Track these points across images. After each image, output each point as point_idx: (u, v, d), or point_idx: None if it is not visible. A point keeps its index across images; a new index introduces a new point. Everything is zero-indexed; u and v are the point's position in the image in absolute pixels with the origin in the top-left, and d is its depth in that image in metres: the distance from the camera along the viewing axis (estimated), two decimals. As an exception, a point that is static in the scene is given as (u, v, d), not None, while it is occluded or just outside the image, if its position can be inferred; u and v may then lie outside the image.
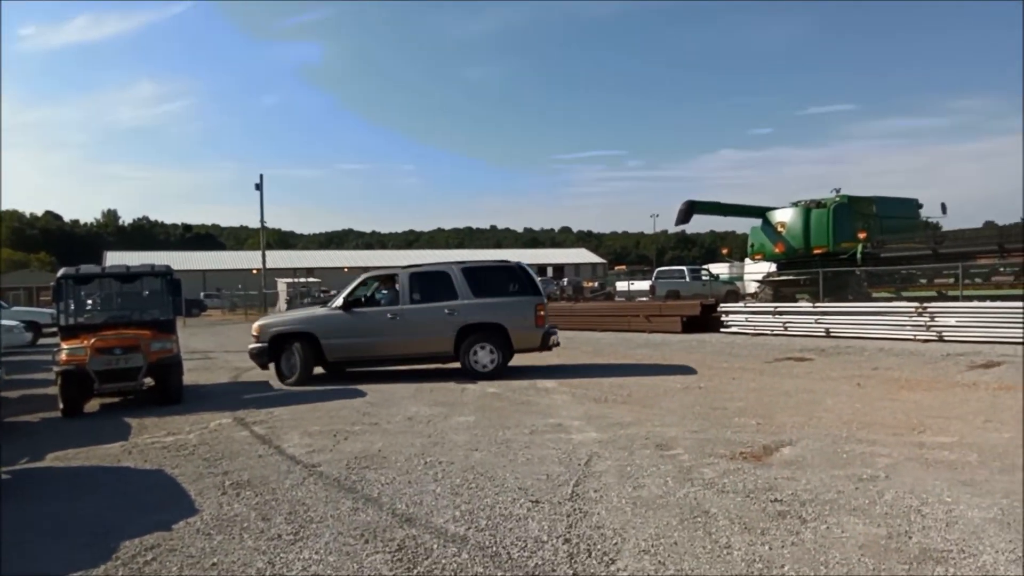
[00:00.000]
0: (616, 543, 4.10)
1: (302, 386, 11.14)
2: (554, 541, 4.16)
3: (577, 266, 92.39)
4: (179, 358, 10.09)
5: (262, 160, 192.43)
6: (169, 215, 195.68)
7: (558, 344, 12.45)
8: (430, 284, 11.91)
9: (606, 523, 4.43)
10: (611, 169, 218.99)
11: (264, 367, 11.84)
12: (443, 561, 3.90)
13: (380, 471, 5.83)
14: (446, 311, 11.62)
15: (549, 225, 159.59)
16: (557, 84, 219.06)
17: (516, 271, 12.30)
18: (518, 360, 12.10)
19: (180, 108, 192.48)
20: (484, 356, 11.62)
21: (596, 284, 50.27)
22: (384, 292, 12.26)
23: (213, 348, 20.01)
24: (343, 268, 76.10)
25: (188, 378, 11.33)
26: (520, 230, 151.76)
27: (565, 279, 67.90)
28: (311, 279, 56.31)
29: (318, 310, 12.66)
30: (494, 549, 4.06)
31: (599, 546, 4.06)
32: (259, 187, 45.09)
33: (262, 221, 46.68)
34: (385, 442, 6.93)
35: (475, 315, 11.64)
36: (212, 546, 4.27)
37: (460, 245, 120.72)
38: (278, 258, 72.50)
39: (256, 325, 12.22)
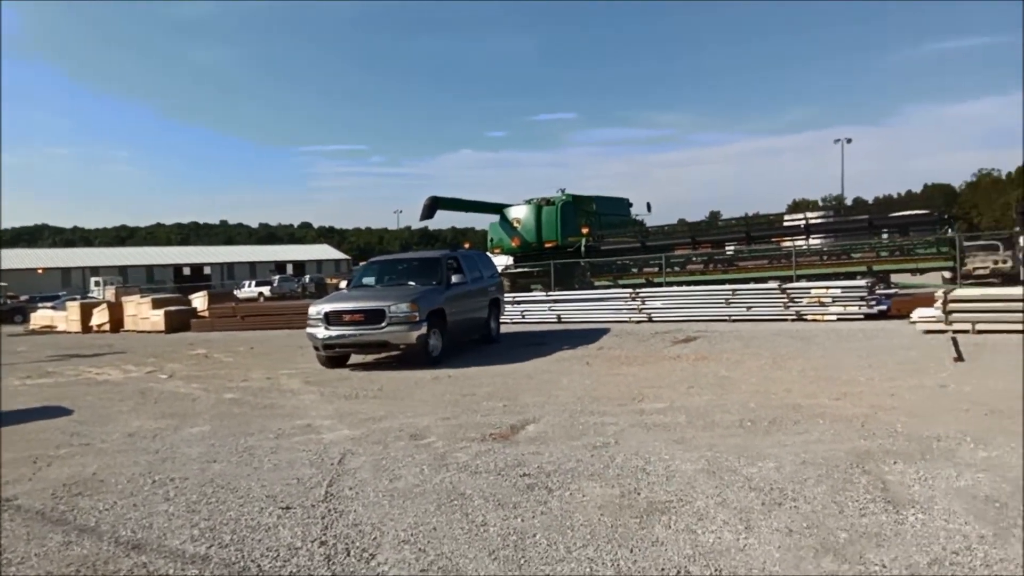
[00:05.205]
0: (375, 537, 4.01)
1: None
2: (309, 545, 3.94)
3: (320, 263, 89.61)
4: None
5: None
6: None
7: None
8: (471, 263, 13.89)
9: (364, 519, 4.31)
10: (353, 164, 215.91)
11: (423, 346, 11.26)
12: (182, 586, 3.49)
13: (97, 497, 5.04)
14: (490, 287, 14.38)
15: (288, 220, 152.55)
16: (290, 73, 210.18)
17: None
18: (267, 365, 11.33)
19: None
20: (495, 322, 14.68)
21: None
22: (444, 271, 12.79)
23: None
24: (37, 269, 65.30)
25: None
26: (255, 225, 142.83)
27: (307, 276, 65.52)
28: (-6, 283, 47.19)
29: (421, 288, 12.11)
30: (242, 564, 3.73)
31: (357, 543, 3.93)
32: (-87, 171, 36.66)
33: (-81, 213, 38.05)
34: (101, 463, 6.02)
35: (497, 291, 14.89)
36: None
37: (185, 241, 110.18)
38: (-55, 259, 59.64)
39: (406, 304, 11.15)
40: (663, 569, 3.43)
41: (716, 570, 3.38)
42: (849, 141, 65.53)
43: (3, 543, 4.19)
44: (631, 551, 3.66)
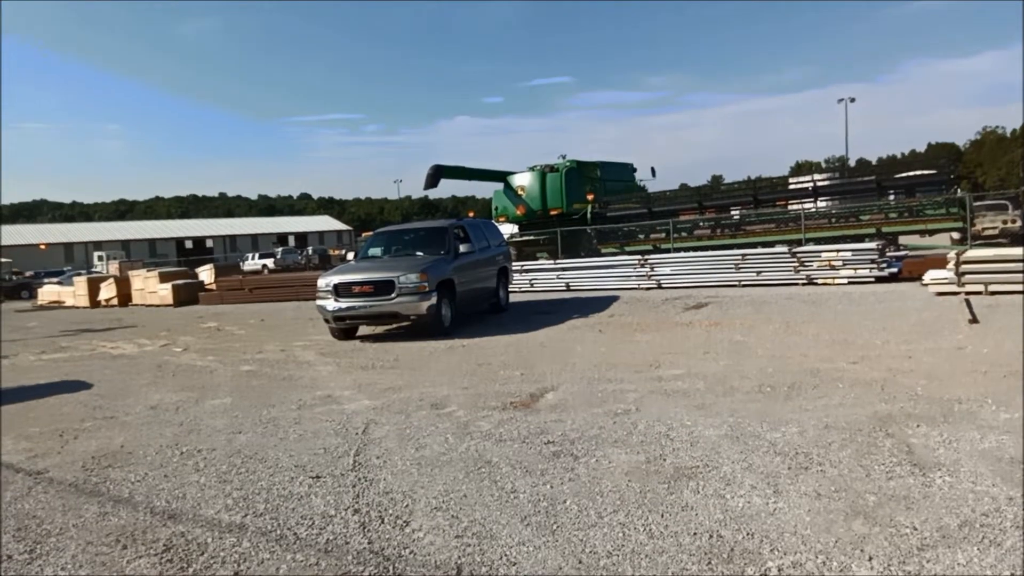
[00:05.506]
0: (407, 505, 4.07)
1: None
2: (343, 513, 4.00)
3: (322, 234, 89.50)
4: None
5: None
6: None
7: None
8: (478, 232, 13.78)
9: (394, 487, 4.37)
10: (350, 134, 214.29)
11: (433, 317, 11.23)
12: (221, 554, 3.55)
13: (127, 468, 5.11)
14: (497, 256, 14.32)
15: (287, 192, 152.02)
16: (281, 43, 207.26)
17: None
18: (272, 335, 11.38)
19: None
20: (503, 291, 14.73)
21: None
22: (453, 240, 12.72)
23: None
24: (39, 245, 65.32)
25: None
26: (254, 197, 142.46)
27: (310, 248, 65.49)
28: (-2, 259, 47.28)
29: (429, 258, 12.05)
30: (279, 532, 3.79)
31: (390, 511, 3.99)
32: (-88, 147, 36.45)
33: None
34: (127, 436, 6.09)
35: (505, 260, 14.98)
36: (-94, 590, 3.41)
37: (185, 214, 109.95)
38: (-53, 235, 59.62)
39: (415, 275, 11.09)
40: (695, 533, 3.47)
41: (748, 533, 3.43)
42: (852, 100, 64.90)
43: (40, 515, 4.26)
44: (662, 516, 3.71)
